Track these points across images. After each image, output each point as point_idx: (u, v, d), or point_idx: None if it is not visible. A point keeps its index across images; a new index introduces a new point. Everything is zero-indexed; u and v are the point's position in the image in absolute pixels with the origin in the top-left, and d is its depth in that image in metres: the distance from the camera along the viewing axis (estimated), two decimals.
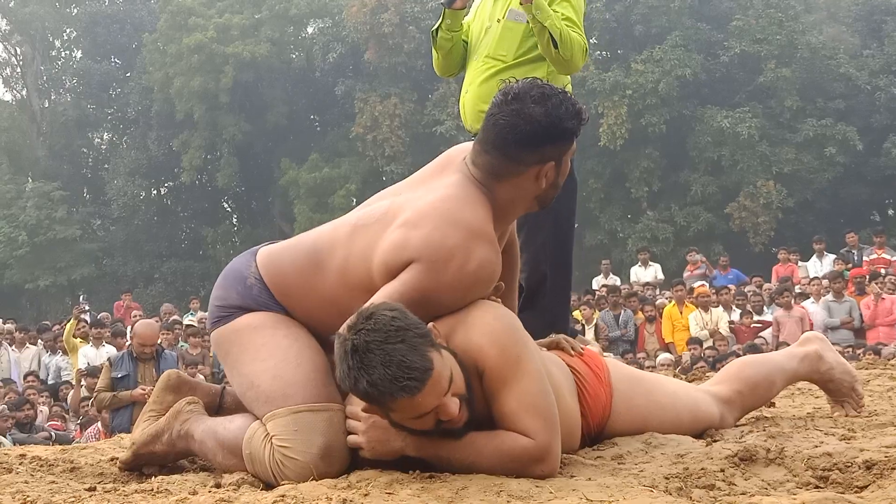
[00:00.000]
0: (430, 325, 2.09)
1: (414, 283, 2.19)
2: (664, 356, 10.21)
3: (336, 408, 2.30)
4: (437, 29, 3.63)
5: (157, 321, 10.89)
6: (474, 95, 3.55)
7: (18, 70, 29.17)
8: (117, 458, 2.72)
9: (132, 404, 6.83)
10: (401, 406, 2.00)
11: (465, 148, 2.43)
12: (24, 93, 28.88)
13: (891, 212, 24.38)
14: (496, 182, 2.30)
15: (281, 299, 2.44)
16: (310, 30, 25.94)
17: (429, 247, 2.19)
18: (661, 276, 14.36)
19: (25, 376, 10.50)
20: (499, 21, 3.54)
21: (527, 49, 3.49)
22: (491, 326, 2.17)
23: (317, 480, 2.16)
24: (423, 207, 2.27)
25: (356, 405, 2.19)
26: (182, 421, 2.53)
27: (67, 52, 29.56)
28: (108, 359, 7.55)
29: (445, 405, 2.02)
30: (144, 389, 6.64)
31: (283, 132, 24.95)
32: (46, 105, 28.56)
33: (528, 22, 3.46)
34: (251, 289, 2.46)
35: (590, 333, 10.95)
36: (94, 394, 7.19)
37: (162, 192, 27.92)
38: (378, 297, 2.17)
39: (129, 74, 27.15)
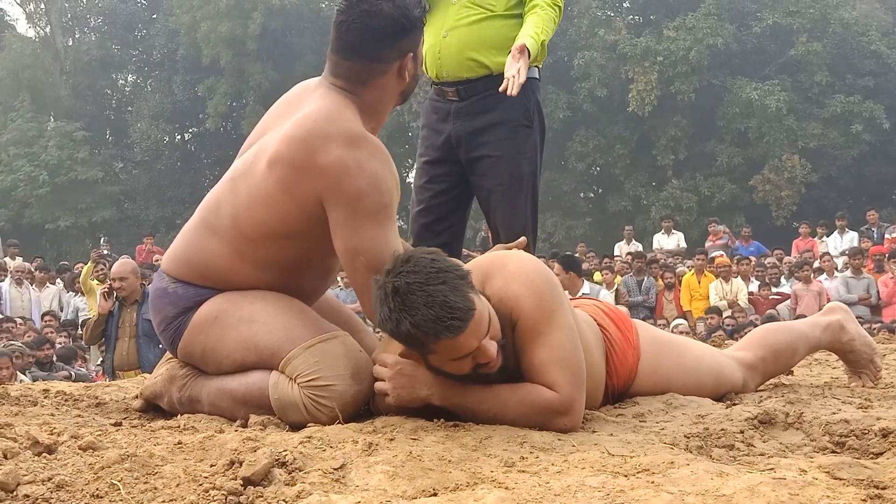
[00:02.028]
0: (467, 270, 2.10)
1: (346, 211, 2.23)
2: (678, 321, 10.23)
3: (342, 333, 2.34)
4: None
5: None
6: (459, 41, 3.26)
7: (42, 6, 29.04)
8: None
9: (115, 345, 6.90)
10: (442, 347, 2.01)
11: (316, 80, 2.48)
12: (47, 30, 28.79)
13: None
14: (361, 87, 2.37)
15: (206, 283, 2.42)
16: None
17: (328, 173, 2.23)
18: (683, 244, 14.35)
19: (43, 315, 10.58)
20: None
21: (516, 2, 3.28)
22: (531, 277, 2.18)
23: (352, 404, 2.21)
24: (289, 131, 2.30)
25: (385, 353, 2.22)
26: (179, 387, 2.50)
27: None
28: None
29: (485, 347, 2.03)
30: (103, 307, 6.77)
31: None
32: (70, 43, 28.49)
33: None
34: (175, 293, 2.44)
35: (610, 298, 10.99)
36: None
37: (186, 138, 27.97)
38: (337, 242, 2.25)
39: (155, 16, 27.06)
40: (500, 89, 3.01)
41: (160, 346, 6.56)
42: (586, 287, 8.43)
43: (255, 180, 2.34)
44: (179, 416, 2.47)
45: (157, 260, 12.38)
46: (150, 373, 6.21)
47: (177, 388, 2.50)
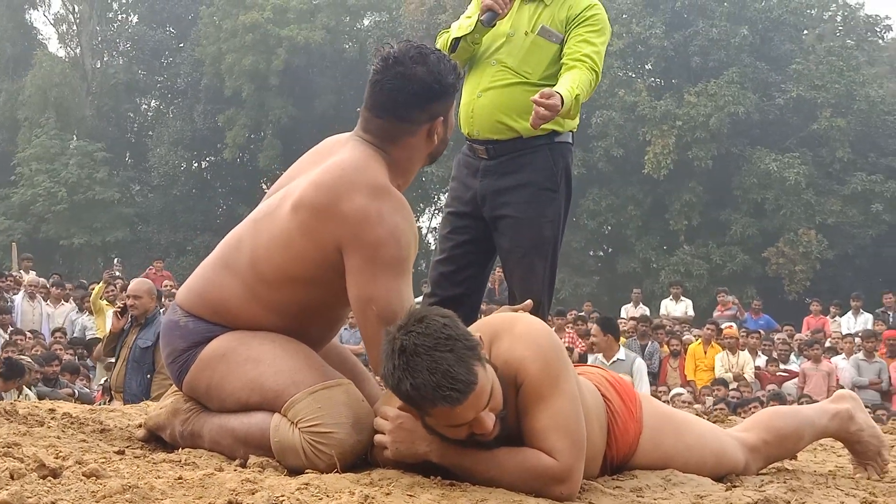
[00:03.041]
0: (477, 335, 2.12)
1: (364, 260, 2.27)
2: (679, 390, 10.16)
3: (346, 381, 2.36)
4: (458, 38, 3.39)
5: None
6: (492, 103, 3.31)
7: (74, 28, 29.59)
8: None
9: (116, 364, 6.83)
10: (438, 414, 2.04)
11: (348, 134, 2.53)
12: (77, 51, 29.29)
13: None
14: (391, 144, 2.42)
15: (218, 320, 2.45)
16: (366, 22, 26.11)
17: (350, 221, 2.27)
18: (691, 312, 14.27)
19: (54, 332, 10.62)
20: (526, 34, 3.34)
21: (554, 72, 3.31)
22: (537, 341, 2.20)
23: (350, 453, 2.22)
24: (317, 180, 2.34)
25: (387, 405, 2.24)
26: (182, 421, 2.52)
27: (124, 16, 29.99)
28: None
29: (482, 419, 2.05)
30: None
31: (329, 120, 25.08)
32: (98, 66, 28.94)
33: (560, 44, 3.32)
34: (187, 326, 2.47)
35: (643, 366, 10.92)
36: None
37: (203, 166, 28.21)
38: (351, 290, 2.28)
39: (182, 45, 27.48)
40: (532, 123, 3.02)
41: (147, 374, 6.56)
42: (622, 352, 8.33)
43: (278, 223, 2.38)
44: (180, 449, 2.49)
45: (167, 285, 12.43)
46: (131, 400, 6.18)
47: (179, 422, 2.52)
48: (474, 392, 2.00)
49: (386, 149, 2.42)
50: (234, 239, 2.51)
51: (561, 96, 3.04)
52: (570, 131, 3.41)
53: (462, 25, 3.41)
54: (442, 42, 3.48)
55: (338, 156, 2.42)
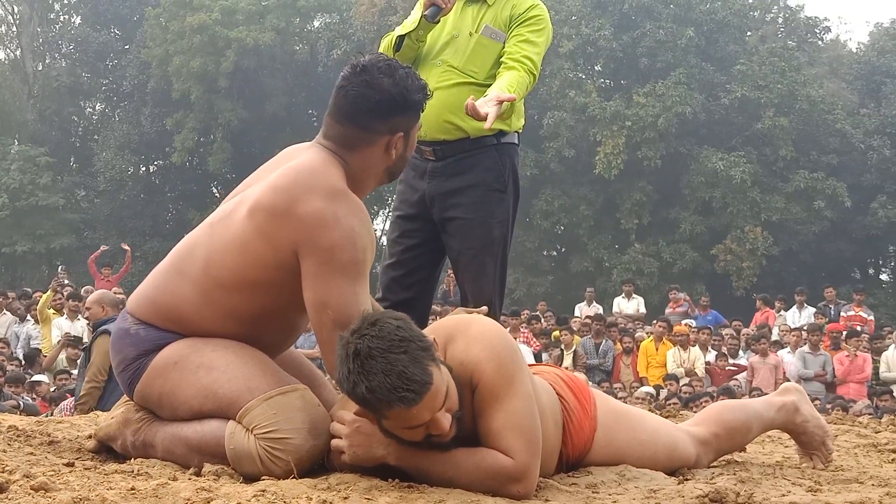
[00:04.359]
0: (431, 337, 2.13)
1: (319, 263, 2.26)
2: (643, 390, 10.28)
3: (302, 387, 2.35)
4: (402, 36, 3.38)
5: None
6: (439, 103, 3.17)
7: (14, 29, 28.94)
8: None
9: None
10: (395, 415, 2.04)
11: (308, 143, 2.52)
12: (17, 53, 28.66)
13: (871, 271, 24.66)
14: (349, 152, 2.41)
15: (170, 326, 2.42)
16: (316, 23, 25.96)
17: (306, 223, 2.26)
18: (643, 309, 14.44)
19: None
20: (471, 34, 3.34)
21: (495, 70, 3.31)
22: (492, 342, 2.21)
23: (303, 461, 2.20)
24: (274, 182, 2.34)
25: (343, 410, 2.23)
26: (134, 431, 2.48)
27: (66, 17, 29.42)
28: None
29: (438, 420, 2.06)
30: None
31: (280, 123, 24.94)
32: (40, 68, 28.35)
33: (503, 43, 3.32)
34: (137, 335, 2.44)
35: (568, 359, 11.03)
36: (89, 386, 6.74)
37: (151, 170, 27.79)
38: (307, 293, 2.27)
39: (127, 47, 27.03)
40: (469, 103, 2.97)
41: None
42: None
43: (234, 227, 2.37)
44: (132, 459, 2.45)
45: (118, 292, 12.24)
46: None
47: (131, 432, 2.49)
48: (430, 392, 2.01)
49: (344, 156, 2.41)
50: (189, 244, 2.48)
51: (503, 95, 3.04)
52: (516, 131, 3.43)
53: (406, 24, 3.41)
54: (387, 42, 3.46)
55: (296, 160, 2.41)
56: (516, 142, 3.44)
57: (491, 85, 3.23)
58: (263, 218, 2.31)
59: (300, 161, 2.40)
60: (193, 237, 2.50)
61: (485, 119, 2.96)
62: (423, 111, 2.46)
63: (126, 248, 16.01)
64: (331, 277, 2.27)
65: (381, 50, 3.50)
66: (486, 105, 2.99)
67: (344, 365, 2.04)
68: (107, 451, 2.60)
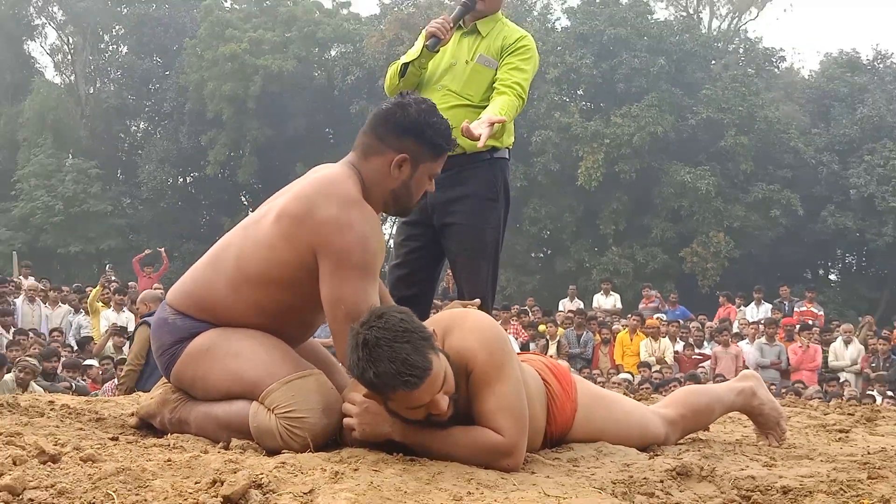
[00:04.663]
0: (431, 328, 2.13)
1: (334, 264, 2.25)
2: (620, 376, 10.27)
3: (317, 371, 2.35)
4: (406, 64, 3.40)
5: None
6: None
7: (69, 57, 29.04)
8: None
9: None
10: (399, 397, 2.04)
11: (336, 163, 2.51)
12: (72, 78, 28.74)
13: (821, 272, 24.65)
14: (364, 161, 2.39)
15: (203, 317, 2.42)
16: (332, 52, 25.93)
17: (323, 228, 2.25)
18: (619, 305, 14.43)
19: (52, 331, 10.43)
20: (467, 62, 3.35)
21: (489, 94, 3.32)
22: (484, 334, 2.21)
23: (319, 437, 2.19)
24: (298, 193, 2.35)
25: (353, 393, 2.23)
26: (171, 409, 2.49)
27: (115, 47, 29.42)
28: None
29: (437, 401, 2.06)
30: None
31: (300, 140, 24.93)
32: (91, 91, 28.41)
33: (496, 69, 3.32)
34: (174, 324, 2.44)
35: (552, 348, 11.03)
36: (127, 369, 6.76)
37: (188, 181, 27.80)
38: (323, 290, 2.26)
39: (167, 73, 27.06)
40: (465, 125, 2.98)
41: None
42: None
43: (263, 230, 2.37)
44: (169, 435, 2.45)
45: (157, 287, 12.25)
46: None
47: (168, 410, 2.49)
48: (430, 377, 2.01)
49: (360, 167, 2.40)
50: (224, 244, 2.49)
51: (494, 119, 3.05)
52: (507, 148, 3.42)
53: (410, 53, 3.41)
54: (393, 69, 3.46)
55: (319, 173, 2.42)
56: (507, 157, 3.44)
57: (485, 107, 3.24)
58: (287, 222, 2.31)
59: (322, 173, 2.41)
60: (228, 238, 2.50)
61: (478, 139, 2.96)
62: (439, 155, 2.41)
63: (162, 251, 16.00)
64: (344, 276, 2.26)
65: (388, 76, 3.52)
66: (480, 126, 3.00)
67: (354, 353, 2.04)
68: (147, 427, 2.60)
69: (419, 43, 3.39)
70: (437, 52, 3.36)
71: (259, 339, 2.38)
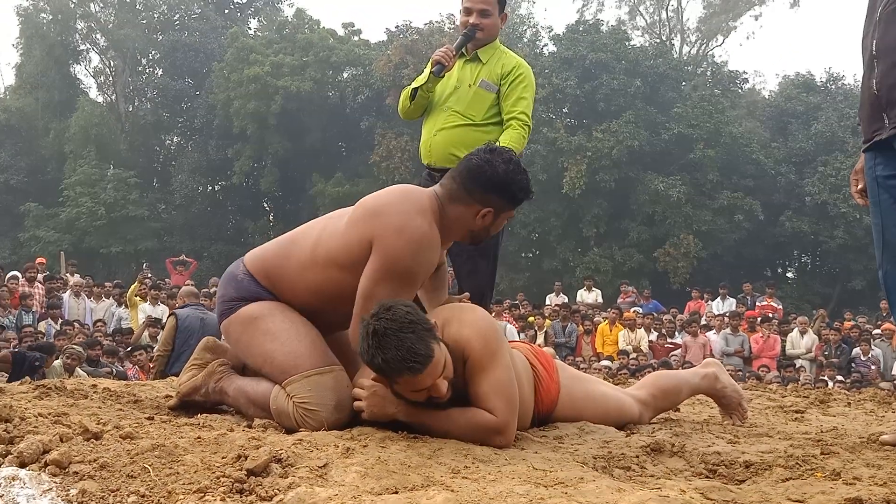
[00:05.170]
0: (433, 320, 2.13)
1: (381, 261, 2.19)
2: (602, 363, 10.27)
3: (338, 368, 2.32)
4: (416, 88, 3.44)
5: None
6: (445, 140, 3.33)
7: (110, 79, 29.00)
8: (170, 396, 2.73)
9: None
10: (404, 381, 2.05)
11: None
12: (113, 97, 28.70)
13: (780, 270, 24.65)
14: (448, 202, 2.30)
15: (267, 285, 2.40)
16: (345, 74, 25.85)
17: (384, 226, 2.19)
18: (600, 300, 14.43)
19: (95, 322, 10.46)
20: (470, 86, 3.37)
21: (492, 115, 3.36)
22: (479, 325, 2.21)
23: (328, 430, 2.18)
24: (383, 195, 2.30)
25: (363, 378, 2.23)
26: (216, 380, 2.51)
27: (151, 69, 29.36)
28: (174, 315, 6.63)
29: (438, 385, 2.06)
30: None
31: (316, 153, 24.91)
32: (130, 109, 28.37)
33: (496, 93, 3.36)
34: (242, 282, 2.43)
35: (540, 337, 11.02)
36: (156, 355, 6.75)
37: (216, 189, 27.72)
38: (362, 282, 2.19)
39: (198, 93, 27.00)
40: None
41: None
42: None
43: (342, 219, 2.34)
44: (200, 415, 2.46)
45: (188, 283, 12.25)
46: None
47: (213, 380, 2.52)
48: (431, 364, 2.01)
49: (444, 204, 2.30)
50: (309, 226, 2.46)
51: None
52: None
53: (419, 79, 3.44)
54: (405, 94, 3.48)
55: (406, 186, 2.38)
56: None
57: (487, 125, 3.31)
58: (361, 212, 2.27)
59: (409, 186, 2.36)
60: (314, 222, 2.45)
61: None
62: (517, 205, 2.32)
63: (188, 259, 15.93)
64: (385, 277, 2.21)
65: (401, 99, 3.54)
66: None
67: (364, 341, 2.04)
68: (183, 409, 2.60)
69: (426, 70, 3.41)
70: (443, 77, 3.38)
71: (297, 326, 2.35)
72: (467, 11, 3.39)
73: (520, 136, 3.30)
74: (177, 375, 3.34)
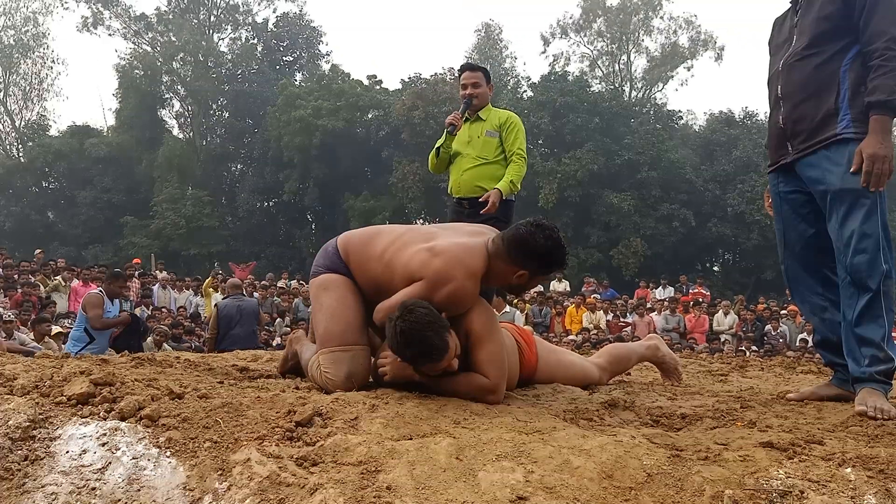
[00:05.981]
0: (443, 313, 2.10)
1: (418, 293, 2.13)
2: (569, 338, 10.26)
3: (359, 348, 2.24)
4: (438, 147, 3.63)
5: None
6: (471, 176, 3.56)
7: (188, 120, 29.00)
8: (237, 364, 2.76)
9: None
10: (426, 368, 2.07)
11: (490, 228, 2.36)
12: (190, 134, 28.69)
13: (708, 265, 24.59)
14: (495, 258, 2.17)
15: (346, 261, 2.33)
16: (369, 115, 25.82)
17: (437, 274, 2.12)
18: (568, 288, 14.41)
19: (178, 309, 10.47)
20: (479, 137, 3.60)
21: (498, 153, 3.57)
22: (478, 309, 2.20)
23: (347, 392, 2.16)
24: (448, 245, 2.17)
25: (386, 349, 2.22)
26: (293, 344, 2.58)
27: (219, 112, 29.28)
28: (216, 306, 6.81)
29: (451, 364, 2.07)
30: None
31: (347, 177, 24.89)
32: (203, 143, 28.32)
33: (499, 137, 3.59)
34: (330, 255, 2.37)
35: (521, 318, 11.01)
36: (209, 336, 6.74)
37: (270, 205, 27.67)
38: (401, 295, 2.13)
39: (256, 130, 27.00)
40: (483, 211, 3.36)
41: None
42: (507, 308, 8.57)
43: (416, 243, 2.21)
44: (260, 378, 2.46)
45: (249, 278, 12.25)
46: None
47: (292, 347, 2.58)
48: (447, 354, 2.02)
49: (491, 254, 2.17)
50: (392, 228, 2.35)
51: (500, 190, 3.40)
52: (514, 193, 3.60)
53: (439, 141, 3.68)
54: (432, 154, 3.71)
55: (471, 239, 2.22)
56: (514, 199, 3.64)
57: (497, 161, 3.57)
58: (431, 273, 2.10)
59: (468, 243, 2.18)
60: (396, 228, 2.33)
61: (491, 205, 3.35)
62: (549, 273, 2.20)
63: (235, 264, 15.94)
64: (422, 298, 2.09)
65: (429, 158, 3.76)
66: (493, 196, 3.38)
67: (393, 339, 2.03)
68: (289, 373, 2.62)
69: (444, 135, 3.64)
70: (455, 135, 3.61)
71: (344, 308, 2.24)
72: (464, 87, 3.66)
73: (520, 167, 3.57)
74: (222, 351, 3.35)
